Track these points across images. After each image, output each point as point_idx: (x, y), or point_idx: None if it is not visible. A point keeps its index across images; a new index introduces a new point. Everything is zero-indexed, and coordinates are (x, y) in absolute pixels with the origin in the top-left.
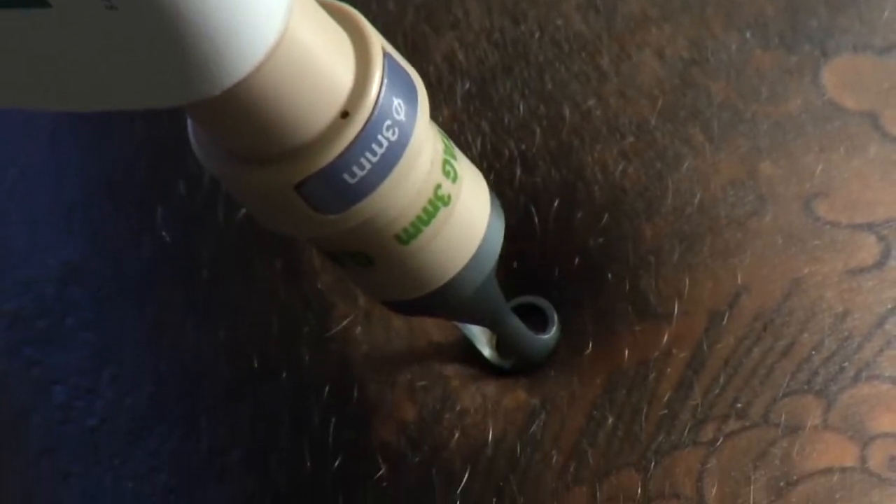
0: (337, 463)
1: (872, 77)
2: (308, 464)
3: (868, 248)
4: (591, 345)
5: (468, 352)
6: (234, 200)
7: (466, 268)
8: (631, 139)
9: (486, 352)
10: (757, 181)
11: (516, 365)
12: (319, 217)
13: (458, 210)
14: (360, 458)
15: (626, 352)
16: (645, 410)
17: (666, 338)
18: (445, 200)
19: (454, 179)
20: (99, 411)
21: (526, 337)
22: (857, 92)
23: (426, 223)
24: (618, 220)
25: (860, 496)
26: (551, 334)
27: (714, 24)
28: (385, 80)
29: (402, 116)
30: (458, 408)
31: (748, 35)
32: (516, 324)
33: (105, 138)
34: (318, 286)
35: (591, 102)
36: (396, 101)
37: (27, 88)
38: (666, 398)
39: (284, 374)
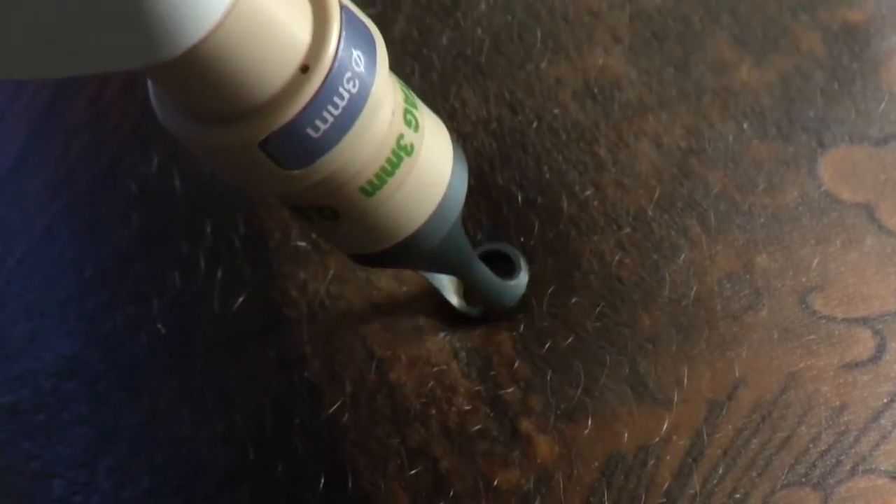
0: None
1: (869, 168)
2: None
3: (863, 343)
4: (589, 422)
5: (437, 302)
6: (230, 290)
7: (432, 217)
8: (628, 230)
9: (455, 300)
10: (753, 274)
11: (485, 312)
12: (284, 173)
13: (421, 159)
14: None
15: (626, 435)
16: (643, 498)
17: (666, 424)
18: (408, 150)
19: (416, 129)
20: None
21: (494, 284)
22: (854, 183)
23: (390, 174)
24: (615, 307)
25: None
26: (518, 280)
27: (711, 113)
28: (343, 33)
29: (361, 68)
30: (451, 493)
31: (745, 125)
32: (484, 271)
33: (100, 229)
34: (306, 374)
35: (589, 192)
36: (356, 53)
37: None
38: (665, 486)
39: (280, 466)
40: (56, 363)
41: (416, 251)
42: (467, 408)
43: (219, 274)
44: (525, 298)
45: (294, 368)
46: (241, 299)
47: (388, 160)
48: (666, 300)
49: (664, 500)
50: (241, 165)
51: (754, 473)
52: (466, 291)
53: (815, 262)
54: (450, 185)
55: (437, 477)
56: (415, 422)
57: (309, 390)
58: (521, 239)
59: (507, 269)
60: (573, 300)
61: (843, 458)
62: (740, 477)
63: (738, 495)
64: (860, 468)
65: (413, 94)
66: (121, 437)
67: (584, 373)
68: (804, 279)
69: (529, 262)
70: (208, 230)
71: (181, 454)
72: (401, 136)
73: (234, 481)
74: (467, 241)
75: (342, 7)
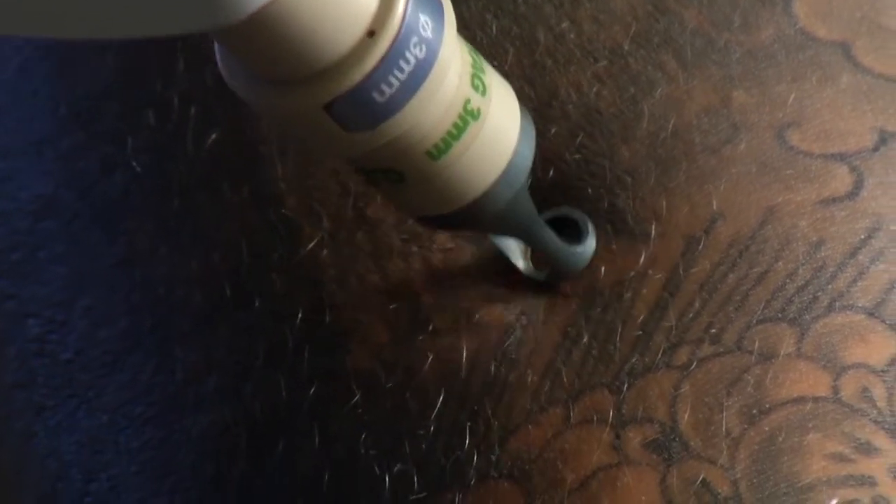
0: (312, 390)
1: (844, 6)
2: (283, 392)
3: (841, 178)
4: None
5: (503, 265)
6: (203, 128)
7: (498, 181)
8: (604, 63)
9: (521, 264)
10: (730, 109)
11: (551, 276)
12: (349, 136)
13: (488, 124)
14: (335, 385)
15: (603, 269)
16: (620, 330)
17: (643, 259)
18: (475, 115)
19: (483, 93)
20: (72, 344)
21: (560, 249)
22: (829, 21)
23: (456, 138)
24: (594, 138)
25: (832, 426)
26: (586, 245)
27: None
28: None
29: (428, 33)
30: (430, 327)
31: None
32: (550, 236)
33: (75, 70)
34: (283, 211)
35: (565, 25)
36: (423, 18)
37: (55, 14)
38: (641, 319)
39: (257, 302)
40: (32, 202)
41: (481, 214)
42: (450, 246)
43: (192, 112)
44: None
45: (270, 205)
46: (213, 137)
47: (455, 124)
48: (644, 132)
49: (640, 332)
50: (306, 128)
51: (730, 308)
52: (533, 255)
53: (792, 98)
54: (516, 151)
55: (417, 311)
56: (396, 258)
57: (286, 227)
58: (495, 63)
59: (574, 234)
60: (552, 130)
61: (819, 294)
62: (716, 311)
63: (713, 330)
64: (837, 304)
65: (481, 58)
66: (97, 276)
67: (563, 207)
68: (781, 115)
69: (596, 227)
70: (181, 68)
71: (158, 294)
72: (467, 101)
73: (211, 320)
74: (533, 205)
75: None
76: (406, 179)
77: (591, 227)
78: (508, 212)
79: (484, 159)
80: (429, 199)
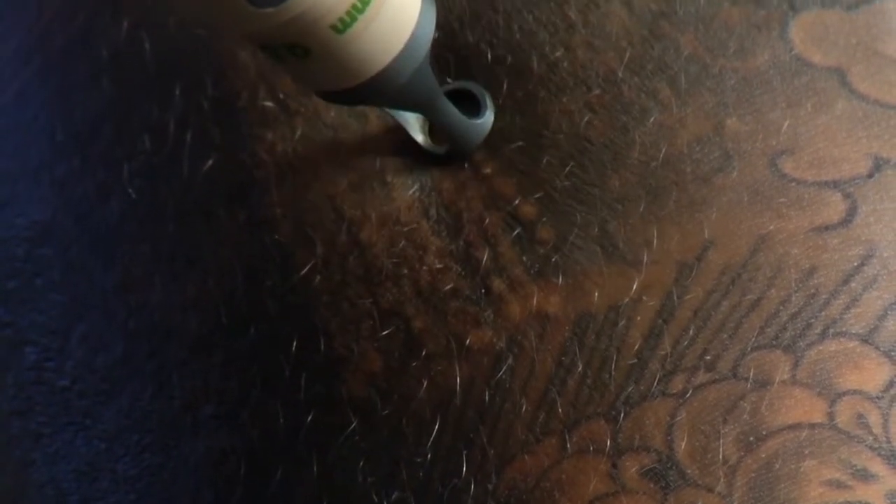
0: (309, 418)
1: (840, 32)
2: (281, 419)
3: (834, 206)
4: (560, 280)
5: (403, 140)
6: (199, 153)
7: (400, 55)
8: (597, 91)
9: (420, 138)
10: (723, 137)
11: (450, 151)
12: (256, 11)
13: None
14: (332, 412)
15: (596, 294)
16: (614, 358)
17: (636, 285)
18: None
19: None
20: (70, 371)
21: (460, 122)
22: (825, 47)
23: (361, 11)
24: (584, 167)
25: (829, 452)
26: (484, 118)
27: None
28: None
29: None
30: (423, 353)
31: None
32: (450, 109)
33: (71, 95)
34: (277, 237)
35: (559, 53)
36: None
37: None
38: (636, 347)
39: (252, 329)
40: (29, 229)
41: (384, 88)
42: (439, 266)
43: (188, 137)
44: (492, 152)
45: (265, 231)
46: (210, 162)
47: None
48: (635, 161)
49: (635, 360)
50: (213, 6)
51: (725, 335)
52: (432, 129)
53: (786, 125)
54: (418, 24)
55: (409, 337)
56: (386, 282)
57: (280, 253)
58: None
59: (473, 107)
60: (544, 159)
61: (812, 321)
62: (711, 339)
63: (708, 357)
64: (830, 331)
65: None
66: (94, 303)
67: (553, 230)
68: (774, 142)
69: (496, 101)
70: (177, 93)
71: (154, 320)
72: None
73: (207, 346)
74: (434, 79)
75: None
76: (311, 54)
77: (489, 101)
78: (411, 85)
79: (387, 33)
80: (333, 74)
